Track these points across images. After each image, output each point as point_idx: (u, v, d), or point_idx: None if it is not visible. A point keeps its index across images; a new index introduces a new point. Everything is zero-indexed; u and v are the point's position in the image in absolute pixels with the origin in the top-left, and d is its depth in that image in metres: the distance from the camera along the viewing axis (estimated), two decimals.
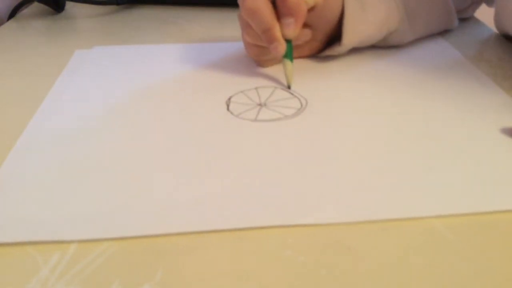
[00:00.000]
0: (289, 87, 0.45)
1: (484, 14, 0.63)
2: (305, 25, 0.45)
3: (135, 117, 0.40)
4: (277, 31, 0.43)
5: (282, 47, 0.44)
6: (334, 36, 0.49)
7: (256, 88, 0.45)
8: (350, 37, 0.47)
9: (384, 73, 0.47)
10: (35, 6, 0.68)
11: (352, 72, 0.48)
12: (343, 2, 0.47)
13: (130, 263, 0.27)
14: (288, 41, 0.44)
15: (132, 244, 0.28)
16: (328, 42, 0.50)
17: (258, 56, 0.48)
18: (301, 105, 0.42)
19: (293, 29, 0.43)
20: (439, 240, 0.28)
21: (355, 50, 0.51)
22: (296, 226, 0.29)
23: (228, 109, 0.41)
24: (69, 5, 0.69)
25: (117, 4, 0.68)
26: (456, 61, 0.50)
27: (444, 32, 0.56)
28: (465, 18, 0.61)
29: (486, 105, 0.41)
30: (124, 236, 0.28)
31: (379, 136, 0.37)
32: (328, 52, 0.49)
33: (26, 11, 0.67)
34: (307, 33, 0.46)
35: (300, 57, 0.50)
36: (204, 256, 0.27)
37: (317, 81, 0.46)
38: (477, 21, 0.62)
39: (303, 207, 0.30)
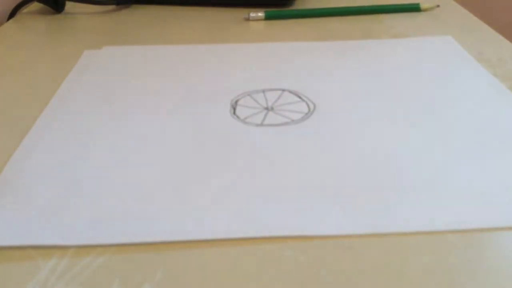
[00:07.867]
0: None
1: (484, 14, 0.63)
2: None
3: (139, 119, 0.40)
4: None
5: None
6: None
7: (263, 91, 0.44)
8: None
9: (391, 76, 0.47)
10: (35, 6, 0.68)
11: (359, 75, 0.47)
12: None
13: (130, 263, 0.26)
14: None
15: (132, 244, 0.28)
16: None
17: None
18: (309, 110, 0.41)
19: None
20: (440, 241, 0.28)
21: (362, 53, 0.51)
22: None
23: (234, 113, 0.41)
24: (69, 5, 0.68)
25: (117, 4, 0.68)
26: (463, 60, 0.49)
27: (443, 33, 0.56)
28: (465, 19, 0.61)
29: (493, 106, 0.41)
30: (123, 242, 0.28)
31: (387, 142, 0.37)
32: None
33: (26, 11, 0.67)
34: None
35: None
36: (204, 256, 0.27)
37: (326, 85, 0.45)
38: (477, 21, 0.62)
39: (309, 215, 0.29)
